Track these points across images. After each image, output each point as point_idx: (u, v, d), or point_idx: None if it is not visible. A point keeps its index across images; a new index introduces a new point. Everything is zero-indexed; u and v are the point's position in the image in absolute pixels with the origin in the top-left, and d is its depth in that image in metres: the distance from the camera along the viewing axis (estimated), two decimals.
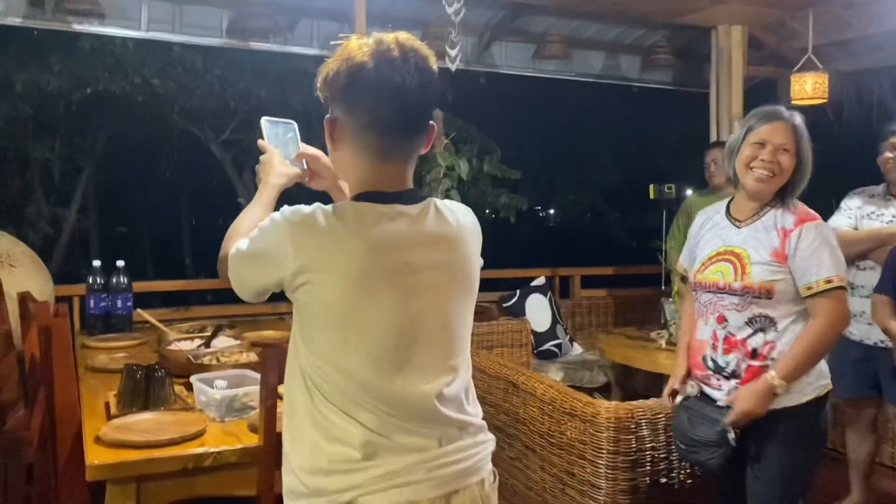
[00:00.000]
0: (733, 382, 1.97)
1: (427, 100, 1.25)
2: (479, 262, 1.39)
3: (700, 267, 2.08)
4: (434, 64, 1.25)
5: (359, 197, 1.26)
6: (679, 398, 2.11)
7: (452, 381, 1.28)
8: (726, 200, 2.15)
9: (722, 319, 2.00)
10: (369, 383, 1.20)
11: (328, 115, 1.27)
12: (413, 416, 1.23)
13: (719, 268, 2.02)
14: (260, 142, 1.50)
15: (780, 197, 2.00)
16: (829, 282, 1.90)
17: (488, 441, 1.35)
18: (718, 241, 2.06)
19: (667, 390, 2.17)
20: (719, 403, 1.99)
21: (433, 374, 1.25)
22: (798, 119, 2.00)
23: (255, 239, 1.26)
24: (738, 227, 2.04)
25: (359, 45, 1.22)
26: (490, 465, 1.34)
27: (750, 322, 1.96)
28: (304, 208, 1.23)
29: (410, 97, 1.21)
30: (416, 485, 1.20)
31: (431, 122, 1.28)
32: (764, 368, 1.94)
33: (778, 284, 1.93)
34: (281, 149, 1.50)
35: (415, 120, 1.25)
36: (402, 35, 1.24)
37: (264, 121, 1.53)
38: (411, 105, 1.22)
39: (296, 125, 1.57)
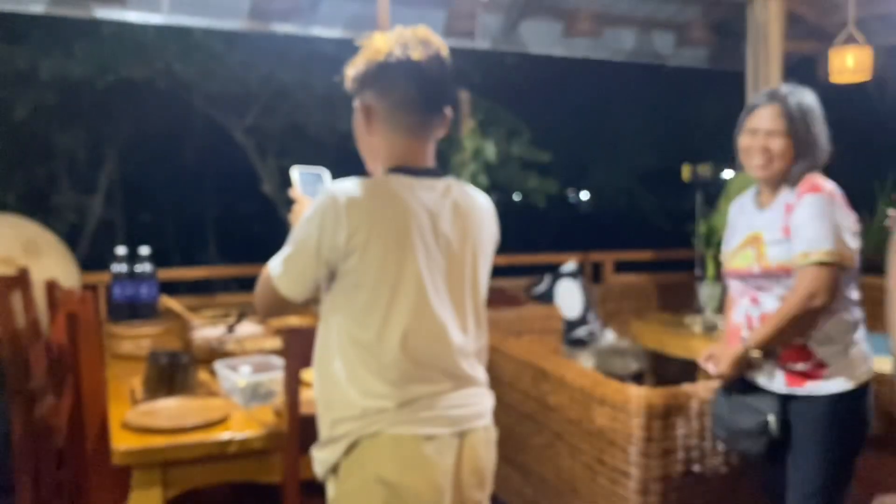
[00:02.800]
0: (772, 361, 1.94)
1: (445, 81, 1.46)
2: (496, 239, 1.58)
3: (730, 256, 2.07)
4: (447, 55, 1.46)
5: (392, 170, 1.44)
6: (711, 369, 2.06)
7: (470, 339, 1.49)
8: (756, 186, 2.12)
9: (755, 301, 1.99)
10: (406, 337, 1.38)
11: (359, 104, 1.47)
12: (437, 366, 1.43)
13: (745, 254, 2.01)
14: (291, 192, 1.63)
15: (793, 175, 1.96)
16: (805, 255, 1.85)
17: (489, 395, 1.56)
18: (747, 228, 2.04)
19: (704, 354, 2.09)
20: (766, 387, 1.96)
21: (456, 330, 1.45)
22: (795, 98, 1.94)
23: (299, 230, 1.40)
24: (762, 211, 2.02)
25: (384, 39, 1.43)
26: (491, 418, 1.54)
27: (781, 300, 1.93)
28: (344, 183, 1.39)
29: (433, 76, 1.43)
30: (435, 420, 1.41)
31: (448, 108, 1.49)
32: (804, 347, 1.90)
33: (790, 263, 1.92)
34: (311, 197, 1.58)
35: (437, 97, 1.46)
36: (420, 30, 1.45)
37: (294, 171, 1.64)
38: (433, 83, 1.44)
39: (326, 173, 1.68)
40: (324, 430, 1.46)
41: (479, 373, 1.53)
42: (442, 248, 1.43)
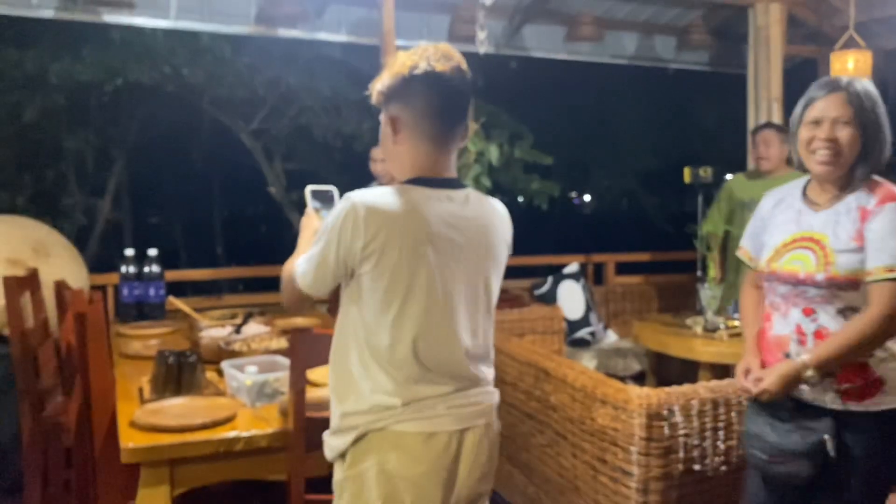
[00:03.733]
0: (827, 381, 1.73)
1: (466, 92, 1.54)
2: (509, 247, 1.66)
3: (773, 255, 1.84)
4: (467, 68, 1.54)
5: (414, 181, 1.51)
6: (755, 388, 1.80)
7: (477, 343, 1.56)
8: (801, 181, 1.89)
9: (810, 312, 1.76)
10: (416, 342, 1.46)
11: (386, 115, 1.55)
12: (444, 370, 1.50)
13: (798, 256, 1.77)
14: (304, 218, 1.75)
15: (859, 175, 1.76)
16: (889, 269, 1.66)
17: (494, 392, 1.62)
18: (793, 226, 1.82)
19: (741, 369, 1.86)
20: (816, 403, 1.75)
21: (466, 336, 1.52)
22: (860, 86, 1.76)
23: (326, 233, 1.48)
24: (817, 212, 1.79)
25: (407, 55, 1.52)
26: (495, 415, 1.62)
27: (842, 313, 1.73)
28: (366, 192, 1.47)
29: (455, 86, 1.51)
30: (437, 418, 1.48)
31: (469, 120, 1.58)
32: (863, 365, 1.72)
33: (863, 274, 1.71)
34: (322, 212, 1.74)
35: (459, 106, 1.55)
36: (442, 45, 1.54)
37: (308, 190, 1.76)
38: (456, 93, 1.52)
39: (335, 190, 1.81)
40: (335, 419, 1.55)
41: (485, 373, 1.60)
42: (456, 257, 1.50)
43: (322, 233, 1.50)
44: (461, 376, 1.52)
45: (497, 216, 1.62)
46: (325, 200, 1.78)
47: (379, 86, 1.54)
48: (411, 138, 1.52)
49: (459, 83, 1.52)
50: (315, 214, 1.72)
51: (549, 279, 4.56)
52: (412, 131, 1.51)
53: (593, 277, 4.98)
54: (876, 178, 1.78)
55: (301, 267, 1.54)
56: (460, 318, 1.51)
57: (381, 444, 1.47)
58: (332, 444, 1.56)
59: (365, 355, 1.49)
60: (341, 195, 1.53)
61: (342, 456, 1.53)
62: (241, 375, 2.05)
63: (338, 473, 1.55)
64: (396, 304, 1.45)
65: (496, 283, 1.61)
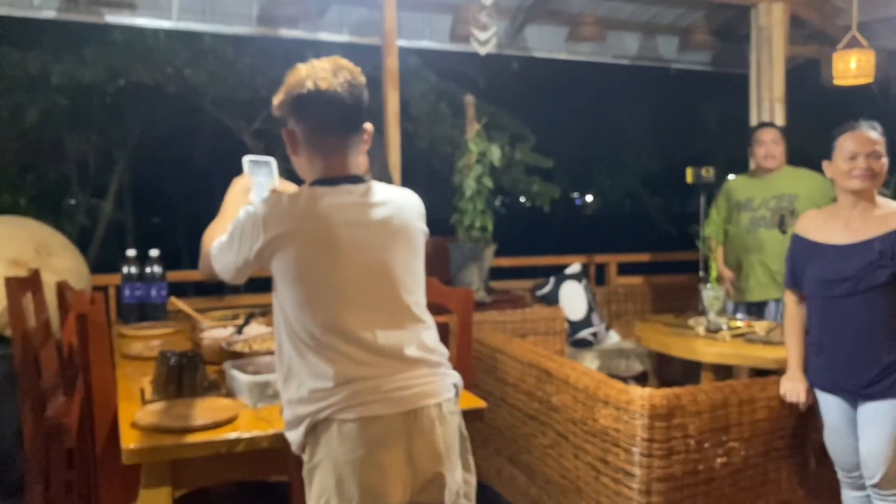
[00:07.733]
0: None
1: (357, 104, 1.63)
2: (424, 228, 1.72)
3: None
4: (362, 79, 1.63)
5: (314, 183, 1.64)
6: None
7: (405, 321, 1.62)
8: None
9: None
10: (337, 326, 1.54)
11: (285, 130, 1.66)
12: (372, 351, 1.56)
13: None
14: (237, 178, 1.91)
15: None
16: None
17: (447, 374, 1.66)
18: None
19: None
20: None
21: (389, 313, 1.60)
22: None
23: (233, 229, 1.62)
24: None
25: (301, 71, 1.62)
26: (451, 394, 1.65)
27: None
28: (270, 196, 1.62)
29: (344, 101, 1.60)
30: (375, 403, 1.54)
31: (367, 124, 1.66)
32: None
33: None
34: (257, 179, 1.89)
35: (350, 119, 1.63)
36: (335, 59, 1.63)
37: (246, 159, 1.92)
38: (346, 108, 1.61)
39: (273, 162, 1.95)
40: (285, 411, 1.63)
41: (427, 352, 1.64)
42: (363, 241, 1.59)
43: (232, 225, 1.62)
44: (394, 356, 1.58)
45: (403, 199, 1.69)
46: (262, 168, 1.93)
47: (276, 100, 1.65)
48: (307, 151, 1.64)
49: (348, 97, 1.60)
50: (248, 177, 1.88)
51: (551, 280, 4.55)
52: (308, 145, 1.63)
53: (595, 278, 4.98)
54: None
55: (215, 250, 1.67)
56: (380, 298, 1.59)
57: (327, 434, 1.55)
58: (290, 438, 1.63)
59: (297, 343, 1.57)
60: None
61: (303, 449, 1.60)
62: (243, 376, 2.05)
63: (304, 466, 1.62)
64: (309, 294, 1.55)
65: (412, 260, 1.67)
